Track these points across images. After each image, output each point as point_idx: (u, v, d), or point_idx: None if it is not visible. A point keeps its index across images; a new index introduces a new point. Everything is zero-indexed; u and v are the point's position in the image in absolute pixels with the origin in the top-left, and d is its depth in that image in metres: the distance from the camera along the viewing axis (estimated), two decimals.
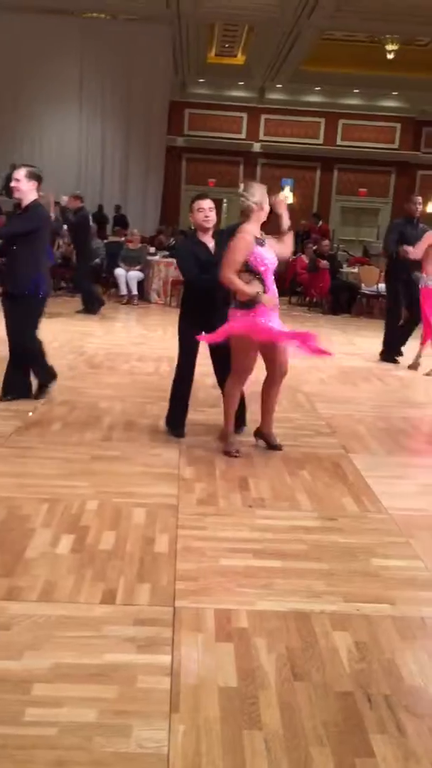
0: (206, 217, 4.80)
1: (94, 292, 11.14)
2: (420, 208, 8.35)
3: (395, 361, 8.48)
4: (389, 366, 8.33)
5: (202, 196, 4.86)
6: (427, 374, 7.88)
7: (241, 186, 4.64)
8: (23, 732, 2.15)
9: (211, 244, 4.84)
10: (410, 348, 8.48)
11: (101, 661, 2.51)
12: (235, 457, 4.71)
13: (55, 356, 7.52)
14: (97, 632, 2.68)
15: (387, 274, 8.96)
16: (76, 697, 2.31)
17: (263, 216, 4.59)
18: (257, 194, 4.52)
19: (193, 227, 5.01)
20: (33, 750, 2.08)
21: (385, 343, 8.67)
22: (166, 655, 2.56)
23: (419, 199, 8.49)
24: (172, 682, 2.42)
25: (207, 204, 4.81)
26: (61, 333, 9.01)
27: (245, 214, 4.57)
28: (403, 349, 8.66)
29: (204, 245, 4.84)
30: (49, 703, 2.28)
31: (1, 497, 3.86)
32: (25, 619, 2.73)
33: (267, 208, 4.58)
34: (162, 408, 5.81)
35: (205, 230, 4.85)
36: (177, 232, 17.09)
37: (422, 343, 8.14)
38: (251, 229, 4.53)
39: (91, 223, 12.01)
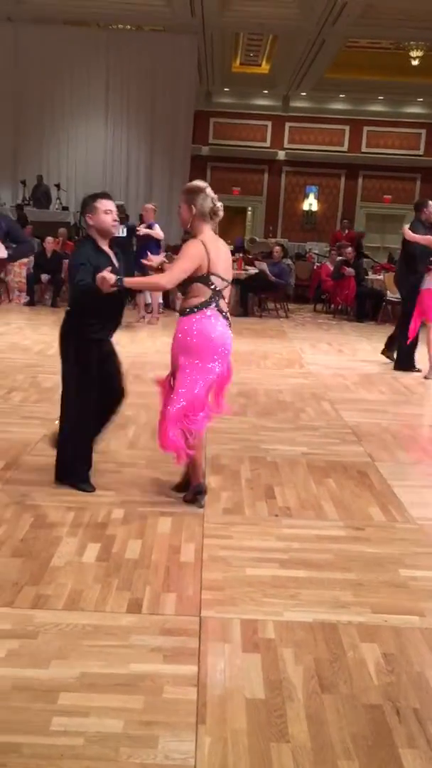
0: (114, 220, 4.08)
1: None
2: None
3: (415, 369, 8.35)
4: (415, 374, 8.24)
5: (106, 195, 4.15)
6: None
7: (207, 187, 3.92)
8: (50, 741, 2.15)
9: (112, 255, 4.14)
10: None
11: (128, 671, 2.50)
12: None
13: None
14: (124, 642, 2.68)
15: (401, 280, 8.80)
16: (102, 707, 2.31)
17: None
18: None
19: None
20: (60, 760, 2.08)
21: (400, 350, 8.55)
22: (193, 665, 2.55)
23: None
24: (198, 692, 2.41)
25: (113, 205, 4.11)
26: None
27: (214, 221, 3.93)
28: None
29: (108, 256, 4.08)
30: (76, 713, 2.28)
31: (27, 505, 3.88)
32: (51, 628, 2.73)
33: None
34: None
35: (109, 237, 4.14)
36: None
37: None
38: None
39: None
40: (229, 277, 3.98)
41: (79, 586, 3.07)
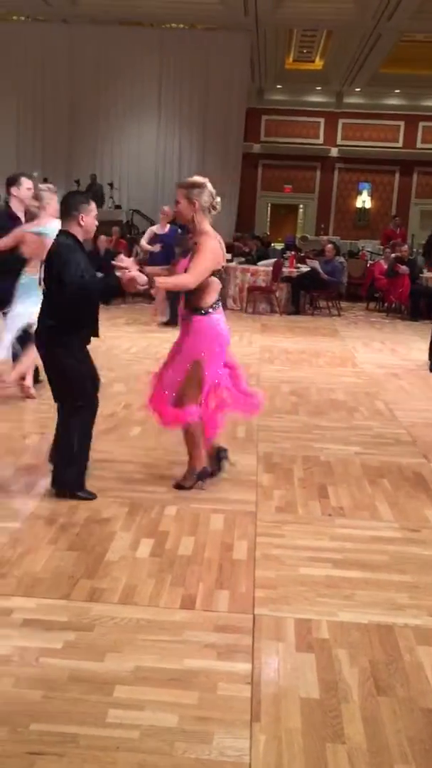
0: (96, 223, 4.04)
1: None
2: None
3: None
4: None
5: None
6: None
7: (207, 182, 3.96)
8: (107, 733, 2.17)
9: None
10: None
11: (182, 666, 2.51)
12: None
13: (132, 361, 7.65)
14: (177, 637, 2.69)
15: None
16: (157, 701, 2.33)
17: None
18: None
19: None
20: (116, 752, 2.10)
21: None
22: (247, 663, 2.55)
23: None
24: (252, 690, 2.40)
25: None
26: (139, 339, 9.14)
27: (212, 215, 3.99)
28: None
29: (85, 254, 3.97)
30: (131, 706, 2.30)
31: (82, 500, 3.93)
32: (107, 621, 2.76)
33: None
34: (238, 415, 5.80)
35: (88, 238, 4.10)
36: (251, 238, 17.11)
37: None
38: None
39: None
40: None
41: (133, 580, 3.09)
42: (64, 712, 2.26)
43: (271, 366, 7.96)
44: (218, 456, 4.25)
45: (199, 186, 3.90)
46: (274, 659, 2.58)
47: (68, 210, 3.89)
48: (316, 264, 12.91)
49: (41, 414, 5.46)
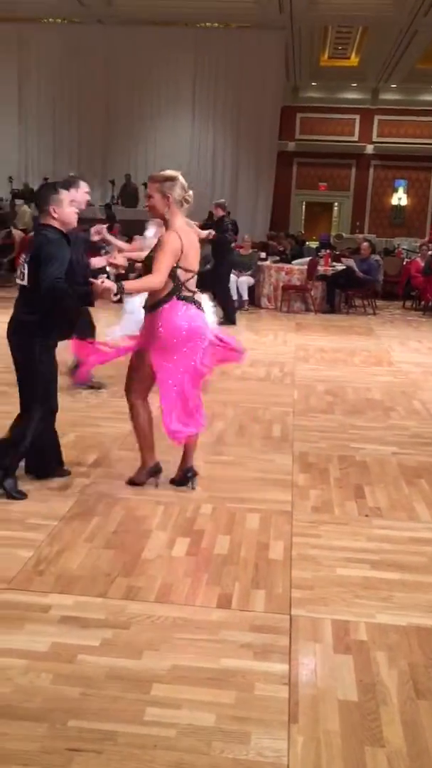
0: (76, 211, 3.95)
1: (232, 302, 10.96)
2: None
3: None
4: None
5: (66, 184, 3.89)
6: None
7: (180, 175, 3.89)
8: (144, 731, 2.17)
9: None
10: None
11: (218, 666, 2.51)
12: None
13: None
14: (214, 636, 2.69)
15: None
16: (194, 700, 2.32)
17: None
18: None
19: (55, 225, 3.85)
20: (153, 750, 2.10)
21: None
22: (284, 663, 2.53)
23: None
24: (290, 691, 2.39)
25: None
26: None
27: (184, 208, 3.90)
28: None
29: (68, 246, 3.92)
30: (169, 704, 2.30)
31: (118, 498, 3.95)
32: (144, 619, 2.77)
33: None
34: (274, 414, 5.79)
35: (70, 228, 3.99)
36: (286, 236, 17.03)
37: None
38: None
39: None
40: (196, 267, 3.91)
41: (170, 579, 3.10)
42: (102, 710, 2.27)
43: (306, 365, 7.92)
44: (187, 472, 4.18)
45: (172, 179, 3.83)
46: (312, 660, 2.56)
47: (40, 205, 3.83)
48: (351, 262, 12.81)
49: (75, 412, 5.50)
